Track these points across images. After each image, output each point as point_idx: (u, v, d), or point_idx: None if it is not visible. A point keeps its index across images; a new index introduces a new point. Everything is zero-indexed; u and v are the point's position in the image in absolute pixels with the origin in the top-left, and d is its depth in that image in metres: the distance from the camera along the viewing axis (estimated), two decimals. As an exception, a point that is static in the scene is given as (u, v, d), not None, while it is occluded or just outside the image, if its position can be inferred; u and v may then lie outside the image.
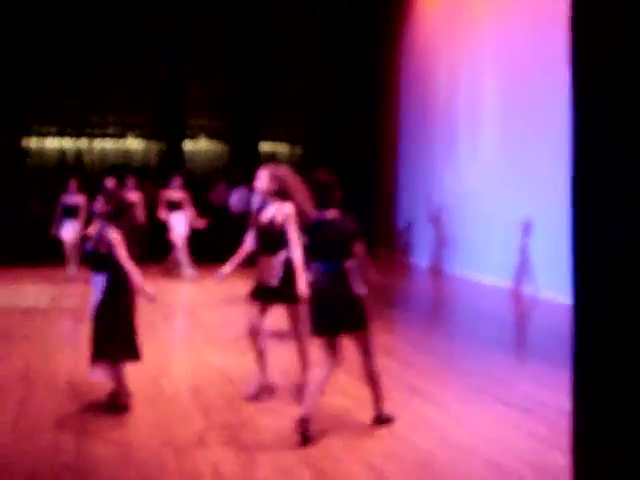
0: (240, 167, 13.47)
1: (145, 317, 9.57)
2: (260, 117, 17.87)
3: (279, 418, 5.71)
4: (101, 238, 5.80)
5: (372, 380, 5.56)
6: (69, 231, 12.46)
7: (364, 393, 6.25)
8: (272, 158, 17.79)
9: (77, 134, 17.33)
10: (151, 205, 13.40)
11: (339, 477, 4.59)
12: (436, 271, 14.84)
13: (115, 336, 5.76)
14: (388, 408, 5.67)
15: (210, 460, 4.85)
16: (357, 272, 5.40)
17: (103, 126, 17.48)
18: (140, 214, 12.94)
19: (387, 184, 17.44)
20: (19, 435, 5.29)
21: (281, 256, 6.00)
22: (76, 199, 12.63)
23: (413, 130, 16.36)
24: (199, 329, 9.24)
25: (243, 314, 9.51)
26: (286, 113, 18.09)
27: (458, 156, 14.42)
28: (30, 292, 11.73)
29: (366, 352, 5.50)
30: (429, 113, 15.60)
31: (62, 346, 8.34)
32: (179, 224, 12.92)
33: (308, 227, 5.61)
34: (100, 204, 6.06)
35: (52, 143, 17.21)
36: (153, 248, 13.26)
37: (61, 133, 17.26)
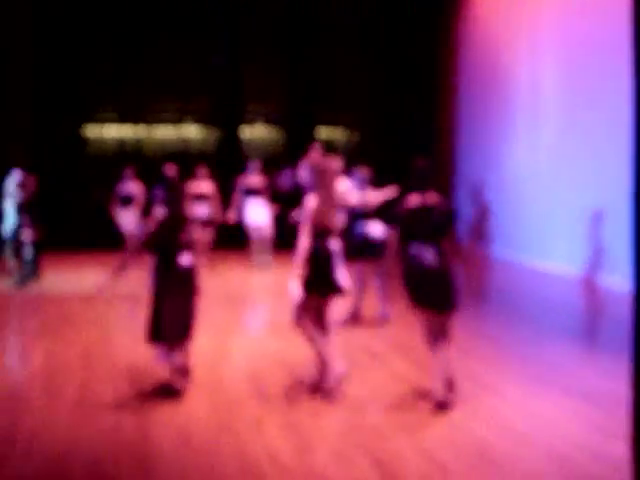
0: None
1: (206, 303, 9.73)
2: (317, 102, 17.83)
3: (337, 405, 5.70)
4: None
5: (447, 364, 5.69)
6: (126, 219, 12.55)
7: (423, 381, 6.23)
8: (329, 144, 17.78)
9: (136, 122, 17.54)
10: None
11: (396, 464, 4.57)
12: (497, 258, 14.65)
13: (171, 319, 5.83)
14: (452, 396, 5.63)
15: (267, 446, 4.88)
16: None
17: (161, 113, 17.65)
18: (215, 204, 12.56)
19: (445, 170, 17.26)
20: (80, 418, 5.40)
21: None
22: (132, 187, 12.71)
23: (471, 115, 16.15)
24: (259, 316, 9.31)
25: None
26: (343, 98, 18.01)
27: (518, 141, 14.18)
28: (91, 278, 11.93)
29: (447, 333, 5.79)
30: (488, 97, 15.37)
31: (121, 330, 8.49)
32: (258, 210, 12.63)
33: (411, 211, 5.81)
34: (160, 191, 6.18)
35: (111, 131, 17.45)
36: (230, 235, 13.22)
37: (120, 121, 17.49)
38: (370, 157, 15.98)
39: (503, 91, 14.70)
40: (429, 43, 17.31)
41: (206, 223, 12.09)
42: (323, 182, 5.94)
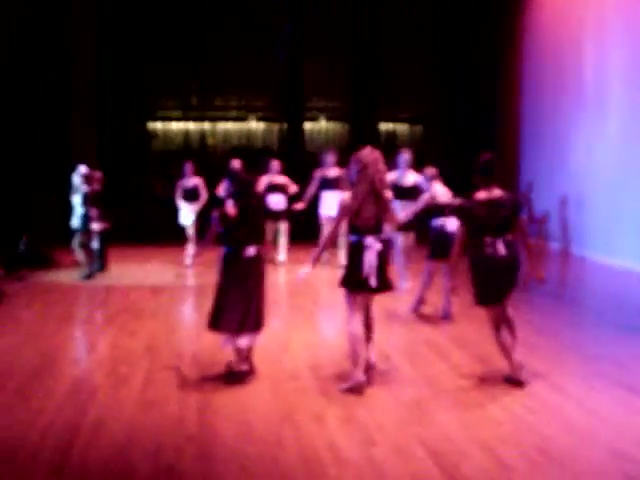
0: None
1: (268, 295, 9.80)
2: (380, 97, 17.79)
3: (398, 399, 5.71)
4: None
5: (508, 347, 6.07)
6: (187, 214, 12.43)
7: (483, 374, 6.20)
8: (392, 138, 17.76)
9: (200, 117, 17.76)
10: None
11: (454, 458, 4.55)
12: (563, 253, 14.43)
13: (233, 309, 6.01)
14: (506, 390, 5.61)
15: (327, 437, 4.91)
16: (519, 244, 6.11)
17: (225, 109, 17.85)
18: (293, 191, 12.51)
19: (509, 164, 17.04)
20: (145, 407, 5.51)
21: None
22: (193, 182, 12.46)
23: (536, 109, 15.91)
24: (321, 307, 9.34)
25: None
26: (406, 93, 17.95)
27: (584, 136, 13.94)
28: (157, 270, 12.15)
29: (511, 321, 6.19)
30: (553, 92, 15.12)
31: (186, 322, 8.64)
32: (334, 202, 12.21)
33: (479, 206, 5.96)
34: (226, 185, 6.32)
35: (176, 126, 17.71)
36: (305, 227, 13.09)
37: (184, 116, 17.74)
38: (433, 152, 15.97)
39: (568, 88, 14.47)
40: (492, 38, 17.11)
41: (282, 214, 12.22)
42: (365, 177, 5.88)
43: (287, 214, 12.45)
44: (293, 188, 12.51)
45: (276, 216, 12.04)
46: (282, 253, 12.46)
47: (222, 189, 11.19)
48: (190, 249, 12.20)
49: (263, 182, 11.95)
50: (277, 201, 12.17)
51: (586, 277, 12.52)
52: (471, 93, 17.19)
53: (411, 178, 10.03)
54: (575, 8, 14.16)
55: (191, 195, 12.37)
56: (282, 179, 12.48)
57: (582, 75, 13.91)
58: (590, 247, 13.47)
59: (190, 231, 12.30)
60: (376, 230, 5.94)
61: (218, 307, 6.09)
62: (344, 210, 5.94)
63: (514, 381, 5.96)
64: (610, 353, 7.01)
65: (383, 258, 5.97)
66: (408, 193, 9.80)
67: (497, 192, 5.99)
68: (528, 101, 16.32)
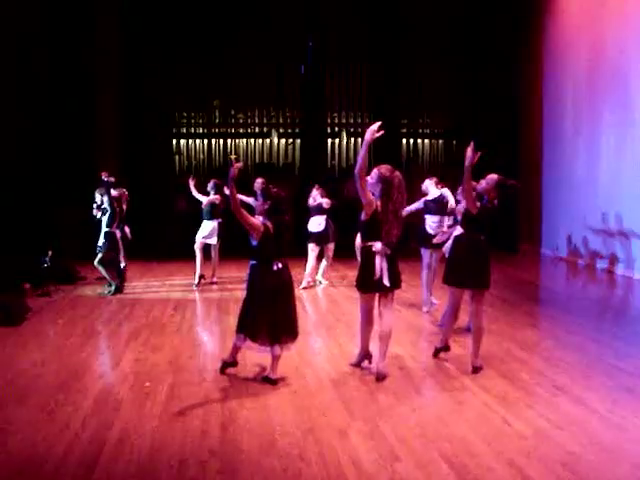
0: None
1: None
2: (402, 112, 17.83)
3: (420, 411, 5.70)
4: None
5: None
6: (208, 231, 12.11)
7: (507, 389, 6.18)
8: (413, 152, 17.78)
9: (223, 133, 17.89)
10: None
11: (478, 473, 4.53)
12: (586, 266, 14.34)
13: (262, 321, 6.34)
14: (530, 404, 5.58)
15: (350, 450, 4.91)
16: None
17: (247, 125, 17.96)
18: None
19: (531, 177, 16.99)
20: (169, 420, 5.54)
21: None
22: (216, 199, 12.05)
23: (557, 124, 15.87)
24: (341, 321, 9.33)
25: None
26: (428, 108, 17.99)
27: (603, 148, 13.90)
28: (180, 286, 12.21)
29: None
30: (573, 107, 15.09)
31: (209, 337, 8.67)
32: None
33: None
34: (259, 202, 6.54)
35: (200, 142, 17.84)
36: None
37: (208, 133, 17.88)
38: (455, 166, 15.96)
39: (589, 99, 14.41)
40: (512, 53, 17.14)
41: (323, 237, 11.75)
42: (387, 192, 6.39)
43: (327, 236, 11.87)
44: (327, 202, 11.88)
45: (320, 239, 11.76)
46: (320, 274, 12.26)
47: (257, 205, 10.93)
48: (213, 265, 12.28)
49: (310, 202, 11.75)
50: (319, 223, 11.72)
51: (609, 290, 12.44)
52: (493, 108, 17.18)
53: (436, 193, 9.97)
54: (594, 23, 14.13)
55: (212, 213, 12.11)
56: (324, 201, 11.74)
57: (603, 87, 13.87)
58: (615, 260, 13.39)
59: (213, 249, 12.27)
60: (390, 239, 6.50)
61: (251, 318, 6.38)
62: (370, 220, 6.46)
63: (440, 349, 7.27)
64: (634, 367, 6.96)
65: (393, 260, 6.51)
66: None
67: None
68: (549, 117, 16.29)
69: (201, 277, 12.09)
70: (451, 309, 7.19)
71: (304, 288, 11.52)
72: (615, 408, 5.75)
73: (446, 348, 7.33)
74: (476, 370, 6.78)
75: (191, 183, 12.43)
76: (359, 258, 6.75)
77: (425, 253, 9.71)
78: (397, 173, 6.51)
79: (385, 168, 6.51)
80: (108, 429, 5.34)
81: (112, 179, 11.41)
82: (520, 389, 6.27)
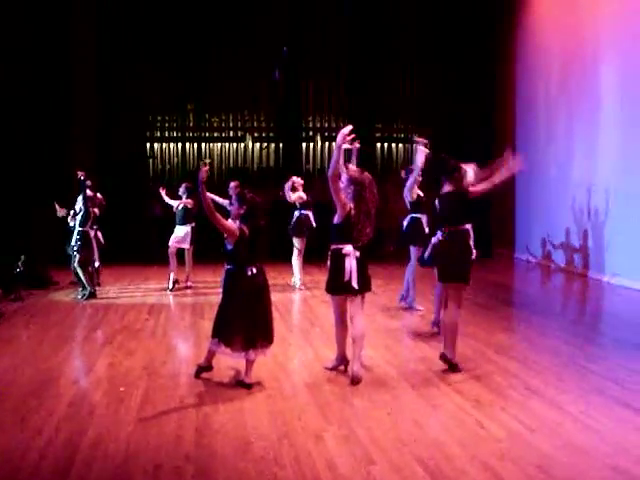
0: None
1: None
2: (376, 115, 17.89)
3: (395, 415, 5.71)
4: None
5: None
6: (177, 236, 12.12)
7: (481, 392, 6.22)
8: (389, 156, 17.85)
9: (197, 137, 17.84)
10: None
11: (453, 476, 4.54)
12: (559, 270, 14.47)
13: (236, 325, 6.37)
14: (504, 407, 5.63)
15: (325, 454, 4.91)
16: None
17: (222, 129, 17.93)
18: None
19: (505, 182, 17.09)
20: (144, 425, 5.51)
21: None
22: (185, 202, 12.12)
23: (529, 128, 16.01)
24: (316, 325, 9.34)
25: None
26: (401, 113, 18.07)
27: (577, 152, 14.04)
28: (154, 290, 12.16)
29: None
30: (546, 109, 15.23)
31: (184, 340, 8.65)
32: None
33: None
34: (235, 207, 6.46)
35: (174, 146, 17.78)
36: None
37: (182, 137, 17.81)
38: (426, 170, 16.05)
39: (563, 102, 14.56)
40: (487, 55, 17.28)
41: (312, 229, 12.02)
42: (362, 198, 6.46)
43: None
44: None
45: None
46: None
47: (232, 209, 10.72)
48: (187, 269, 12.26)
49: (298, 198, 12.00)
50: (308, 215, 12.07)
51: (583, 294, 12.57)
52: (467, 112, 17.29)
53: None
54: (567, 24, 14.27)
55: (185, 217, 12.15)
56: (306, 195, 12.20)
57: (574, 90, 14.02)
58: (588, 264, 13.52)
59: (186, 253, 12.24)
60: (362, 240, 6.56)
61: (226, 323, 6.38)
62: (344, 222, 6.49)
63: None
64: (606, 369, 7.03)
65: (363, 263, 6.55)
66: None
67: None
68: (522, 120, 16.44)
69: (175, 282, 12.05)
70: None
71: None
72: (588, 410, 5.80)
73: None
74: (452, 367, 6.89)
75: (162, 192, 12.47)
76: (328, 261, 6.75)
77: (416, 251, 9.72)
78: (366, 174, 6.62)
79: (353, 170, 6.64)
80: (82, 434, 5.30)
81: (89, 182, 11.35)
82: (494, 392, 6.31)
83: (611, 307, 11.18)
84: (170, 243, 12.12)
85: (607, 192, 12.83)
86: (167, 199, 12.44)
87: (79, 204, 11.21)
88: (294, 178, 12.03)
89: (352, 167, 6.82)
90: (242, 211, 6.46)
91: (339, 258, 6.52)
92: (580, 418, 5.62)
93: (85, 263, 11.22)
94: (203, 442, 5.17)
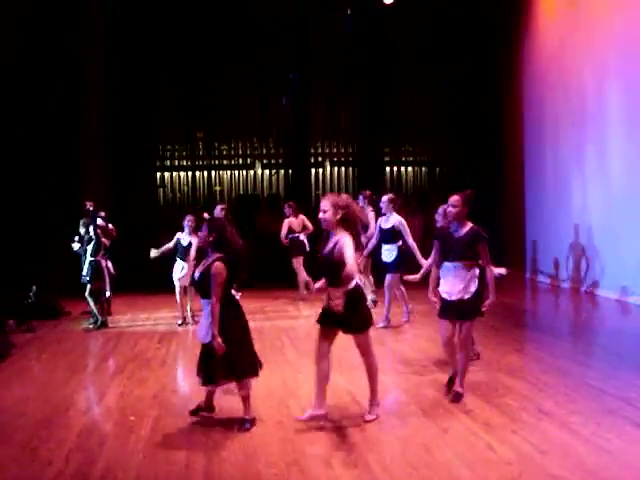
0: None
1: (273, 340, 9.83)
2: (384, 140, 17.95)
3: (404, 439, 5.70)
4: (205, 267, 6.11)
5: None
6: (178, 273, 11.45)
7: (491, 415, 6.18)
8: (398, 181, 17.91)
9: (207, 165, 17.93)
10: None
11: (464, 500, 4.52)
12: (570, 289, 14.41)
13: (228, 356, 5.98)
14: (515, 429, 5.60)
15: (335, 481, 4.90)
16: None
17: (231, 157, 18.02)
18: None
19: (514, 202, 17.12)
20: (153, 454, 5.52)
21: (346, 287, 5.90)
22: (190, 239, 11.12)
23: (538, 146, 16.02)
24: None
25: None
26: (410, 135, 18.14)
27: (586, 170, 14.03)
28: (165, 319, 12.18)
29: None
30: (555, 128, 15.23)
31: (192, 369, 8.59)
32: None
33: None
34: (203, 233, 6.24)
35: (184, 175, 17.88)
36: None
37: (192, 165, 17.91)
38: (438, 193, 16.09)
39: (571, 119, 14.55)
40: (492, 77, 17.33)
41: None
42: (353, 224, 5.92)
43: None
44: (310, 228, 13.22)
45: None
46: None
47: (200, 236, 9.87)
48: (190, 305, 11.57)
49: (285, 226, 13.07)
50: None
51: (593, 312, 12.50)
52: (474, 134, 17.35)
53: (392, 220, 10.50)
54: (573, 39, 14.28)
55: (186, 254, 11.16)
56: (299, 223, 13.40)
57: (584, 107, 14.01)
58: (597, 282, 13.47)
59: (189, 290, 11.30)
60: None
61: (206, 362, 6.15)
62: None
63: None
64: (618, 390, 6.97)
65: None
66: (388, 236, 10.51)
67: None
68: (530, 139, 16.45)
69: (184, 319, 11.61)
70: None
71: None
72: (599, 431, 5.76)
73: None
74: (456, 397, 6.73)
75: (152, 252, 11.52)
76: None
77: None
78: (344, 196, 6.21)
79: (335, 196, 6.13)
80: (92, 465, 5.31)
81: (102, 213, 11.45)
82: (505, 414, 6.27)
83: (622, 325, 11.10)
84: (175, 281, 11.50)
85: (618, 211, 12.79)
86: (161, 250, 11.50)
87: (84, 230, 11.24)
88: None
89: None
90: (211, 238, 6.15)
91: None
92: (592, 439, 5.58)
93: (97, 293, 11.27)
94: (213, 470, 5.17)
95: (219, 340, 5.85)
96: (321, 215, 5.97)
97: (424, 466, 5.10)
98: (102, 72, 16.66)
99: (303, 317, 11.95)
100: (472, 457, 5.27)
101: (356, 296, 5.99)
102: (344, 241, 5.81)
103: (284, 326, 11.12)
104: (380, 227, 10.54)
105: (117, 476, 5.09)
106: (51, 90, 15.65)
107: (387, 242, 10.48)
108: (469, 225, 6.64)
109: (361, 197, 11.83)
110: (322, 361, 6.22)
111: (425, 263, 8.67)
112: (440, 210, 8.36)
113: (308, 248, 13.09)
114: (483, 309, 6.72)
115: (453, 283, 6.61)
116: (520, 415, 6.28)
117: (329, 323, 6.09)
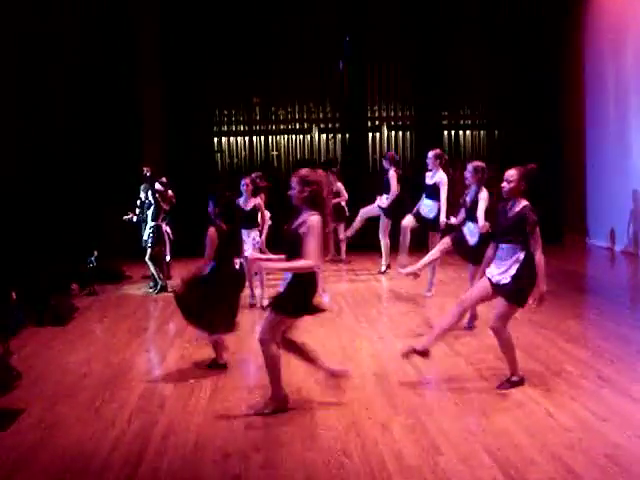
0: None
1: (332, 304, 9.85)
2: (443, 103, 17.71)
3: (462, 405, 5.68)
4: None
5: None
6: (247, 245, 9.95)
7: (551, 382, 6.13)
8: (455, 144, 17.69)
9: (264, 130, 17.93)
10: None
11: (523, 468, 4.49)
12: (633, 255, 14.12)
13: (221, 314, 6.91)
14: (575, 396, 5.56)
15: (392, 444, 4.92)
16: None
17: (288, 121, 17.98)
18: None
19: (575, 167, 16.76)
20: (213, 416, 5.61)
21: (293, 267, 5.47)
22: (251, 203, 10.06)
23: (601, 112, 15.62)
24: (385, 317, 9.34)
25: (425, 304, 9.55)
26: (469, 99, 17.84)
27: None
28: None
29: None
30: (617, 92, 14.84)
31: (252, 329, 8.64)
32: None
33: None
34: (210, 205, 7.08)
35: (240, 140, 17.91)
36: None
37: (249, 130, 17.93)
38: (497, 157, 15.84)
39: (635, 86, 14.16)
40: (553, 42, 16.91)
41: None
42: (324, 201, 5.51)
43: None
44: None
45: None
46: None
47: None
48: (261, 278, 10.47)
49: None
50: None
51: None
52: (534, 100, 16.98)
53: (436, 177, 10.44)
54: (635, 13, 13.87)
55: (249, 220, 10.05)
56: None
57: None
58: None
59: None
60: None
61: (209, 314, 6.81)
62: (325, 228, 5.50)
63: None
64: (683, 358, 6.85)
65: None
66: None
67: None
68: (592, 103, 16.05)
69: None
70: None
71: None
72: (661, 399, 5.67)
73: None
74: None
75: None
76: None
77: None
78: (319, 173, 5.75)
79: (310, 173, 5.57)
80: (153, 425, 5.43)
81: (164, 179, 11.62)
82: (564, 381, 6.21)
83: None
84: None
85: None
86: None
87: (144, 195, 11.44)
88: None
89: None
90: (217, 211, 7.09)
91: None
92: (653, 407, 5.50)
93: (157, 257, 11.42)
94: (271, 432, 5.24)
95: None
96: (290, 192, 5.58)
97: (482, 432, 5.10)
98: (159, 37, 16.73)
99: (360, 280, 11.95)
100: (531, 423, 5.24)
101: (300, 280, 5.49)
102: (310, 226, 5.36)
103: (342, 289, 11.09)
104: (425, 182, 10.51)
105: (177, 437, 5.19)
106: (110, 61, 15.81)
107: (429, 197, 10.39)
108: (522, 204, 5.98)
109: (385, 160, 12.14)
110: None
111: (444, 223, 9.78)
112: (469, 167, 8.28)
113: (347, 213, 13.60)
114: (530, 301, 5.98)
115: (496, 265, 6.07)
116: (580, 382, 6.21)
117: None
